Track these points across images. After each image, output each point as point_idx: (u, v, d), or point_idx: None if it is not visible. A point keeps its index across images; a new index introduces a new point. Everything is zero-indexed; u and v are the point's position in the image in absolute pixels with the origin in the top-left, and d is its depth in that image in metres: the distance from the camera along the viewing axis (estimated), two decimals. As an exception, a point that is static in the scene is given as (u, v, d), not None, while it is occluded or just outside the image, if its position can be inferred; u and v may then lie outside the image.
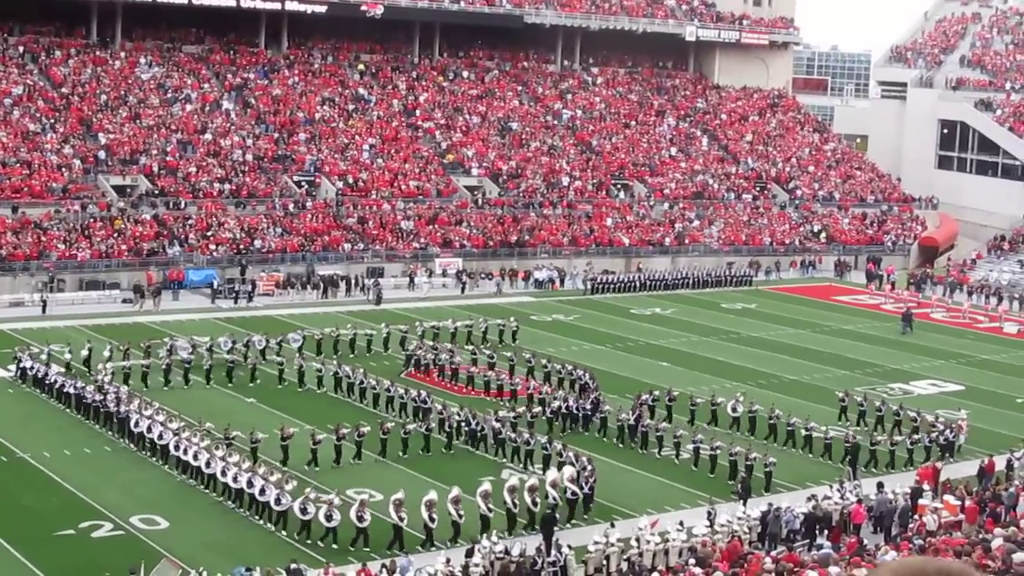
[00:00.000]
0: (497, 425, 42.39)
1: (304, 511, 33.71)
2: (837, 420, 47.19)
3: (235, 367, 51.03)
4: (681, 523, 33.59)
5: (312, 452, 39.83)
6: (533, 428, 42.78)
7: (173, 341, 52.73)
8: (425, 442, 41.92)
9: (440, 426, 42.89)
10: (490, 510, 33.88)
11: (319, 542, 33.33)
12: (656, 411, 45.60)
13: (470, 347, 56.32)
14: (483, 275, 77.65)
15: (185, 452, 37.92)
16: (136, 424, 40.82)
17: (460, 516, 33.66)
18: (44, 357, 49.95)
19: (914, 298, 78.59)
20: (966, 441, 45.03)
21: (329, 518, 33.30)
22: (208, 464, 36.87)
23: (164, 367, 49.79)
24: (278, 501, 34.24)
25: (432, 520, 33.35)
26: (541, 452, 40.47)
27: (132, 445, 40.92)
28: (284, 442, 40.08)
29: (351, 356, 55.17)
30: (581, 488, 36.38)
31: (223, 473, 36.03)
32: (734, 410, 45.49)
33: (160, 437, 39.55)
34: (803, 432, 43.90)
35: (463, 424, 42.90)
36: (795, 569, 25.27)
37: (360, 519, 33.18)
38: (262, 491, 34.67)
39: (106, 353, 50.63)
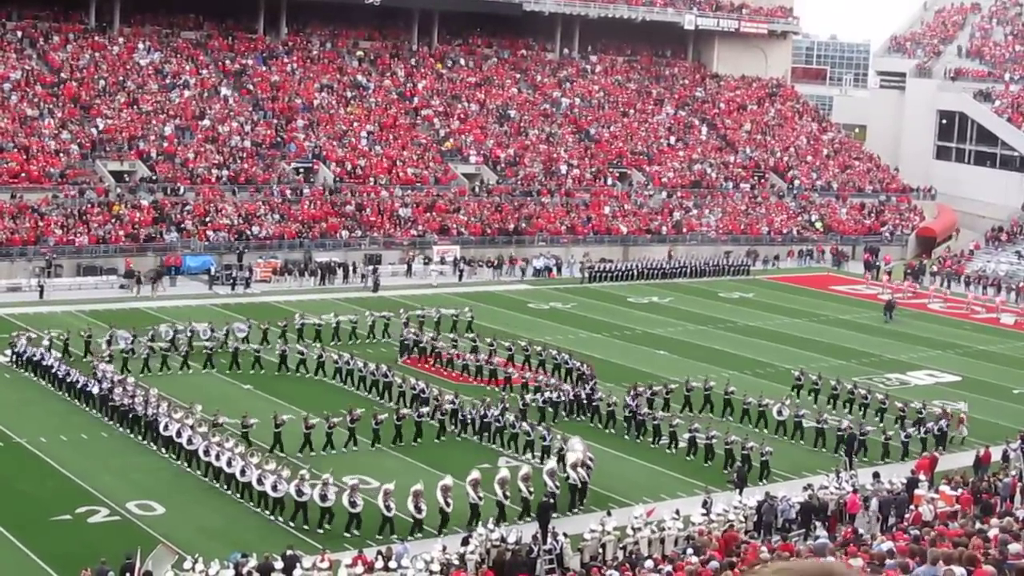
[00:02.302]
0: (481, 412, 42.53)
1: (300, 493, 33.79)
2: (796, 397, 47.75)
3: (169, 356, 50.56)
4: (677, 512, 33.63)
5: (305, 437, 40.05)
6: (526, 416, 42.82)
7: (113, 330, 51.98)
8: (417, 429, 42.02)
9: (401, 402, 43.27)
10: (480, 498, 33.96)
11: (317, 529, 33.37)
12: (654, 401, 45.53)
13: (470, 335, 56.16)
14: (479, 263, 77.62)
15: (218, 458, 36.42)
16: (165, 428, 39.38)
17: (449, 503, 33.78)
18: (45, 342, 49.85)
19: (911, 288, 78.64)
20: (969, 434, 44.97)
21: (324, 498, 33.42)
22: (243, 472, 35.41)
23: (106, 357, 48.88)
24: (275, 488, 34.21)
25: (447, 504, 33.67)
26: (540, 442, 40.50)
27: (161, 448, 39.49)
28: (352, 424, 40.43)
29: (350, 343, 55.23)
30: (580, 475, 36.51)
31: (259, 481, 34.59)
32: (780, 413, 44.28)
33: (189, 442, 38.10)
34: (796, 421, 44.02)
35: (417, 396, 44.08)
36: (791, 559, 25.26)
37: (352, 504, 33.28)
38: (274, 487, 34.35)
39: (46, 342, 50.23)
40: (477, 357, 51.69)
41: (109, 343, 50.43)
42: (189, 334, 52.21)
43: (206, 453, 37.08)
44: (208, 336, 52.45)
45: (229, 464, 36.08)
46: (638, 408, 43.84)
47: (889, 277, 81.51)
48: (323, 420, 40.73)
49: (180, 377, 49.20)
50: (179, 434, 38.64)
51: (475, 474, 34.91)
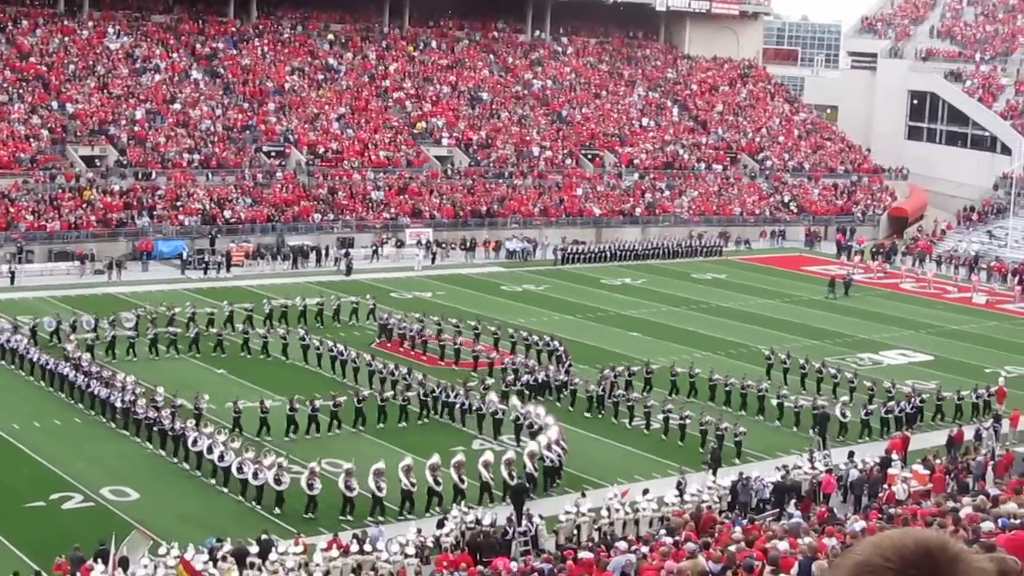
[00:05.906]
0: (458, 394, 42.54)
1: (278, 481, 33.64)
2: (766, 376, 47.88)
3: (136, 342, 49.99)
4: (646, 490, 33.72)
5: (288, 419, 39.98)
6: (506, 399, 42.80)
7: (79, 315, 51.98)
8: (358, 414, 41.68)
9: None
10: (462, 480, 33.93)
11: (305, 514, 33.25)
12: (629, 383, 45.59)
13: (435, 318, 55.72)
14: (452, 245, 77.51)
15: (255, 476, 34.22)
16: (194, 443, 36.73)
17: (414, 485, 33.70)
18: (27, 332, 49.67)
19: (882, 268, 78.89)
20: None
21: (311, 486, 33.34)
22: (311, 487, 33.66)
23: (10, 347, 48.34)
24: (256, 476, 33.96)
25: (415, 486, 33.60)
26: (512, 423, 40.53)
27: (187, 465, 37.09)
28: (335, 408, 40.52)
29: (319, 327, 55.13)
30: (557, 454, 36.55)
31: (350, 489, 33.22)
32: (843, 415, 42.37)
33: (221, 458, 35.58)
34: (774, 401, 44.11)
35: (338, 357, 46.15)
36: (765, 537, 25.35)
37: (310, 487, 33.33)
38: (240, 469, 34.26)
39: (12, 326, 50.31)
40: (443, 338, 51.83)
41: (74, 328, 50.22)
42: (72, 327, 50.96)
43: (240, 470, 34.88)
44: (92, 326, 51.14)
45: (278, 482, 33.97)
46: (610, 390, 43.95)
47: (861, 257, 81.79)
48: (304, 404, 40.58)
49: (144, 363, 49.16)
50: (210, 450, 36.25)
51: (459, 457, 35.02)
